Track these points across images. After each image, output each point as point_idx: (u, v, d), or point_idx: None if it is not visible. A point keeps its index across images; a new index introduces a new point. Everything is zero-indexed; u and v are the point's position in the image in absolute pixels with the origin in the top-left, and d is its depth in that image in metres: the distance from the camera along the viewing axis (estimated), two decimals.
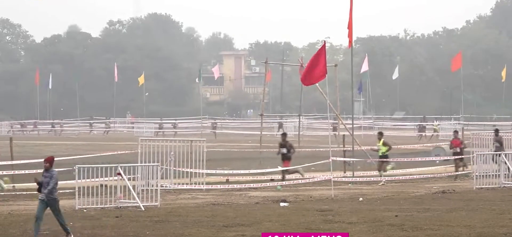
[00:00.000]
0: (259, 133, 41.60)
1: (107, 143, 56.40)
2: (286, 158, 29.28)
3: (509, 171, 27.51)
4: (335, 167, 30.19)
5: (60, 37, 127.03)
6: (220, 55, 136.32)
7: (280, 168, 30.18)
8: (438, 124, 68.49)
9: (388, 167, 31.09)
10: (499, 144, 32.27)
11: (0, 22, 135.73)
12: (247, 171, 29.72)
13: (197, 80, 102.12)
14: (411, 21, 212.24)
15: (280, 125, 73.24)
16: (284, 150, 29.27)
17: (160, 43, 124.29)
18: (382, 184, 28.90)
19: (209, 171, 27.90)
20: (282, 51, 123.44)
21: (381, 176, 30.21)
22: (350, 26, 33.30)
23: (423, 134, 65.93)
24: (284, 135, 31.13)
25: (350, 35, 33.54)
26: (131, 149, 30.52)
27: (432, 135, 64.12)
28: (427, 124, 72.90)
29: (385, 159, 31.01)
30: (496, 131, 34.05)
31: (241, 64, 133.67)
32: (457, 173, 31.72)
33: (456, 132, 33.64)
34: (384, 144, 30.94)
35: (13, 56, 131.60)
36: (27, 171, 27.08)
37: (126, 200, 21.42)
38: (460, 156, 32.04)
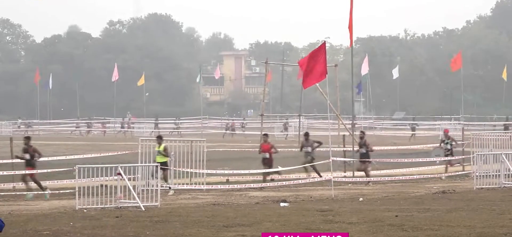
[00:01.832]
0: (259, 133, 41.62)
1: (107, 143, 56.41)
2: (29, 165, 25.36)
3: (509, 171, 27.51)
4: (335, 167, 30.20)
5: (60, 37, 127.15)
6: (220, 55, 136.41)
7: (280, 168, 30.17)
8: None
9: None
10: (311, 149, 30.08)
11: (0, 22, 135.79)
12: (247, 171, 29.71)
13: (197, 80, 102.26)
14: (411, 21, 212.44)
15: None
16: (27, 156, 25.39)
17: (160, 43, 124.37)
18: (172, 194, 25.74)
19: (209, 171, 27.92)
20: (282, 51, 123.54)
21: (169, 186, 26.24)
22: (350, 26, 33.26)
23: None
24: (27, 138, 26.23)
25: (350, 35, 33.48)
26: (131, 149, 30.53)
27: None
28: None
29: (165, 167, 26.38)
30: (306, 134, 31.43)
31: (241, 64, 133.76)
32: (265, 183, 27.91)
33: (265, 135, 30.02)
34: (165, 150, 27.17)
35: (13, 56, 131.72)
36: (27, 172, 27.04)
37: (126, 200, 21.43)
38: (269, 165, 28.88)
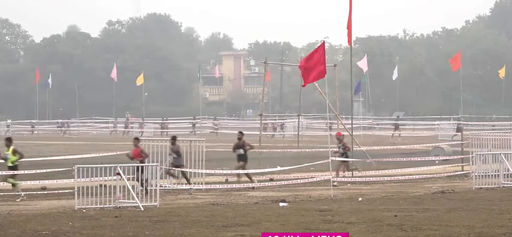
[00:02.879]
0: (258, 133, 41.71)
1: (106, 143, 56.40)
2: None
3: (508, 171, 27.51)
4: (335, 167, 30.19)
5: (60, 37, 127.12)
6: (219, 55, 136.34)
7: (279, 168, 30.19)
8: None
9: (12, 179, 24.87)
10: (177, 155, 27.36)
11: None
12: (246, 171, 29.71)
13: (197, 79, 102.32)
14: (410, 22, 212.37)
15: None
16: None
17: (159, 43, 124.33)
18: (21, 200, 23.86)
19: (208, 171, 27.91)
20: (281, 51, 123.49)
21: (18, 192, 24.40)
22: (349, 24, 33.17)
23: None
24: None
25: (349, 34, 33.39)
26: (130, 149, 30.51)
27: None
28: None
29: (14, 171, 24.88)
30: (173, 138, 28.00)
31: (240, 64, 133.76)
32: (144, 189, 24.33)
33: (136, 139, 26.79)
34: (14, 152, 25.16)
35: (12, 56, 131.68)
36: (26, 171, 27.07)
37: (125, 200, 21.43)
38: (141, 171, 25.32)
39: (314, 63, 25.54)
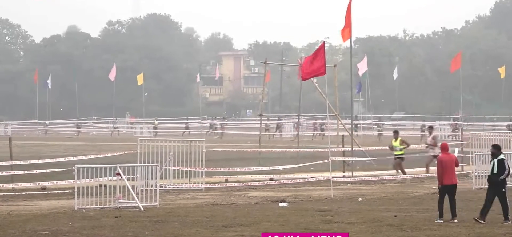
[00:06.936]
0: (258, 133, 41.74)
1: (106, 143, 56.39)
2: None
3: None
4: (334, 167, 30.20)
5: (59, 38, 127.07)
6: (219, 55, 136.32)
7: (280, 168, 30.17)
8: None
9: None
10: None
11: None
12: (245, 169, 29.71)
13: (198, 79, 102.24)
14: (410, 22, 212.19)
15: (278, 126, 72.97)
16: None
17: (159, 43, 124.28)
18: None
19: (208, 170, 27.90)
20: (281, 51, 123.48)
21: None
22: (348, 22, 32.96)
23: None
24: None
25: (349, 31, 33.18)
26: (130, 149, 30.52)
27: None
28: None
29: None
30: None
31: (240, 64, 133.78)
32: None
33: None
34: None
35: (12, 56, 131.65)
36: (26, 172, 27.08)
37: (125, 200, 21.43)
38: None
39: (314, 60, 25.63)
